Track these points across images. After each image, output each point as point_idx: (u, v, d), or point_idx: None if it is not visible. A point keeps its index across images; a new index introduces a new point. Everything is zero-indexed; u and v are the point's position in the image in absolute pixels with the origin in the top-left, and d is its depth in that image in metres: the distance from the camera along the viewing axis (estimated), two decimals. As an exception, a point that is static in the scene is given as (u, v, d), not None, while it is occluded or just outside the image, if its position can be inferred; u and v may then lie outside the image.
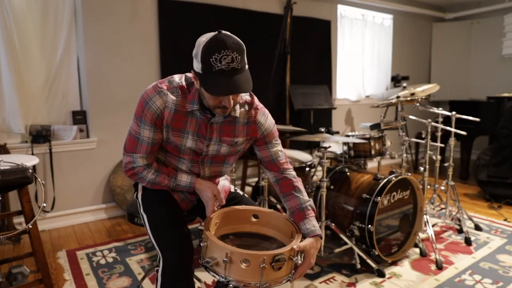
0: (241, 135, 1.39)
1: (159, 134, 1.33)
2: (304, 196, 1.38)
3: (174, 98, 1.29)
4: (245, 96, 1.39)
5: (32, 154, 2.84)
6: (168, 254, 1.25)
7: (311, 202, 1.37)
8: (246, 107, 1.38)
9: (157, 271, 1.28)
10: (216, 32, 1.15)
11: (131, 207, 1.88)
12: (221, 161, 1.44)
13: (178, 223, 1.33)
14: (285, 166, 1.45)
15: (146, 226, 1.39)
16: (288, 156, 2.73)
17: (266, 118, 1.43)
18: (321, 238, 1.35)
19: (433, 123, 2.61)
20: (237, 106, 1.34)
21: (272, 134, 1.44)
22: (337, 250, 2.30)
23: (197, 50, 1.16)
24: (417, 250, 2.47)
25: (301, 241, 1.19)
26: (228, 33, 1.16)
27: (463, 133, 2.72)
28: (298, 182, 1.42)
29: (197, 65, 1.18)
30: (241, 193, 1.59)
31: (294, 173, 1.45)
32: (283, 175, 1.43)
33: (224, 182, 1.59)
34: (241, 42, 1.18)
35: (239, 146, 1.42)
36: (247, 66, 1.21)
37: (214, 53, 1.12)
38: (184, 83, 1.32)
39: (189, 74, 1.34)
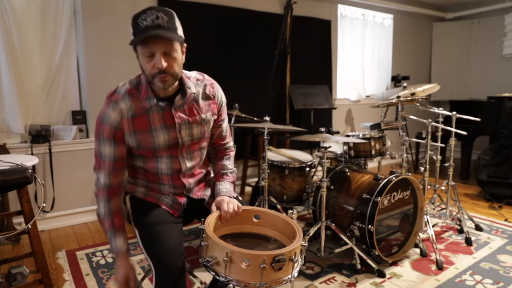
0: (206, 111, 1.42)
1: (121, 148, 1.33)
2: (230, 164, 1.56)
3: (128, 104, 1.29)
4: (195, 75, 1.43)
5: (32, 154, 2.83)
6: (160, 270, 1.23)
7: (234, 171, 1.56)
8: (200, 84, 1.42)
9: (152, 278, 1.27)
10: None
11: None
12: (197, 148, 1.45)
13: (169, 235, 1.30)
14: (228, 140, 1.59)
15: (138, 240, 1.37)
16: (288, 156, 2.75)
17: (221, 92, 1.50)
18: (230, 197, 1.43)
19: (433, 123, 2.60)
20: (191, 84, 1.37)
21: (225, 107, 1.53)
22: (337, 250, 2.30)
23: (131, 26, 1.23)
24: (418, 250, 2.47)
25: (298, 240, 1.18)
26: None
27: (464, 133, 2.72)
28: (232, 152, 1.60)
29: (131, 37, 1.23)
30: (240, 198, 1.56)
31: (231, 143, 1.61)
32: (225, 146, 1.58)
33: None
34: (171, 10, 1.23)
35: (208, 124, 1.45)
36: (179, 31, 1.25)
37: (140, 16, 1.19)
38: (130, 87, 1.32)
39: (133, 78, 1.36)
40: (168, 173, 1.40)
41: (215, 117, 1.48)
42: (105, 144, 1.30)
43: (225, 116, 1.54)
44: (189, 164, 1.43)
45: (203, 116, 1.41)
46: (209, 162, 1.63)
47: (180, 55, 1.28)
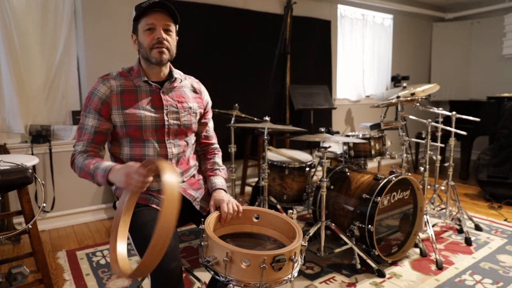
0: (192, 101, 1.51)
1: (104, 123, 1.37)
2: (220, 162, 1.63)
3: (118, 81, 1.40)
4: (182, 73, 1.56)
5: (32, 154, 2.83)
6: (156, 274, 1.21)
7: (224, 168, 1.62)
8: (188, 78, 1.56)
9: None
10: None
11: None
12: (184, 138, 1.49)
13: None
14: (214, 141, 1.67)
15: (131, 244, 1.35)
16: (288, 156, 2.75)
17: (207, 94, 1.61)
18: (225, 191, 1.48)
19: (433, 123, 2.60)
20: (179, 75, 1.50)
21: (211, 109, 1.63)
22: (337, 250, 2.30)
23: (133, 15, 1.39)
24: (417, 250, 2.47)
25: (297, 240, 1.18)
26: None
27: (463, 133, 2.72)
28: (219, 153, 1.67)
29: (133, 21, 1.40)
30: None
31: (217, 145, 1.69)
32: (212, 146, 1.66)
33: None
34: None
35: (195, 115, 1.51)
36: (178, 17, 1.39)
37: (144, 1, 1.32)
38: (122, 70, 1.45)
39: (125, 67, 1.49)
40: None
41: (202, 110, 1.54)
42: (90, 117, 1.36)
43: (210, 116, 1.64)
44: (175, 150, 1.45)
45: (190, 104, 1.49)
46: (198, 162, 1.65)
47: (175, 37, 1.42)
